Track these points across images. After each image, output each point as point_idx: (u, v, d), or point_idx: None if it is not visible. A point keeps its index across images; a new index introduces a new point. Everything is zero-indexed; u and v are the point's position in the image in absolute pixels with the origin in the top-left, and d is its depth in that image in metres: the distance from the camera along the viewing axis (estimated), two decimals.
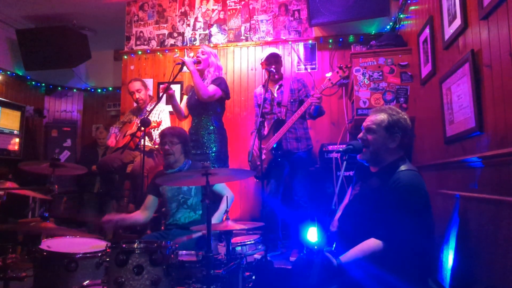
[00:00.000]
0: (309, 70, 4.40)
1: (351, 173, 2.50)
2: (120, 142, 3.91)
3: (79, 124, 6.27)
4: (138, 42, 4.96)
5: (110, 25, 5.36)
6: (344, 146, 2.25)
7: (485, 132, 1.82)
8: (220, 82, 3.25)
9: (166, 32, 4.89)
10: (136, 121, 3.84)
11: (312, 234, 1.75)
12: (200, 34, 4.79)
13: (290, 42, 4.49)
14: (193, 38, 4.80)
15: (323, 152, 3.51)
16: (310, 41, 4.45)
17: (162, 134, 2.75)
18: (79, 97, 6.37)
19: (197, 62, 3.21)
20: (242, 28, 4.65)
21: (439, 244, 2.23)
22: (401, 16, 3.62)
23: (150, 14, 4.96)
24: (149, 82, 4.68)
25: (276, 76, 3.41)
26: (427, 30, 2.69)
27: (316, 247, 1.72)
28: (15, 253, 3.26)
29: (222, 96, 3.26)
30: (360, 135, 1.97)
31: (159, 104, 3.49)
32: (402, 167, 1.83)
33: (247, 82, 4.59)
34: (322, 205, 3.16)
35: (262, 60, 3.42)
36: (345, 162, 1.89)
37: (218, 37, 4.72)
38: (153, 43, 4.91)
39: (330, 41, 4.39)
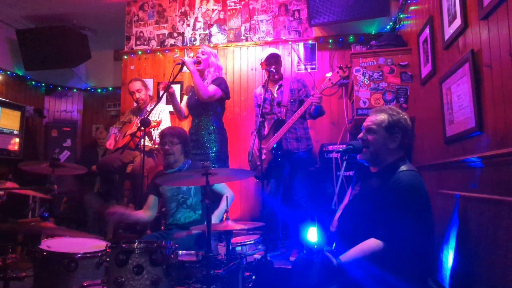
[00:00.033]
0: (309, 70, 4.40)
1: (351, 173, 2.50)
2: (120, 142, 3.91)
3: (79, 124, 6.27)
4: (138, 42, 4.96)
5: (110, 25, 5.36)
6: (344, 146, 2.25)
7: (485, 132, 1.82)
8: (220, 82, 3.25)
9: (166, 32, 4.89)
10: (136, 121, 3.84)
11: (312, 234, 1.75)
12: (200, 34, 4.79)
13: (290, 42, 4.49)
14: (193, 38, 4.80)
15: (323, 152, 3.51)
16: (310, 41, 4.45)
17: (162, 134, 2.75)
18: (79, 97, 6.37)
19: (197, 62, 3.21)
20: (242, 28, 4.65)
21: (439, 244, 2.22)
22: (401, 16, 3.62)
23: (150, 14, 4.96)
24: (149, 82, 4.68)
25: (276, 76, 3.41)
26: (427, 30, 2.69)
27: (316, 247, 1.72)
28: (15, 253, 3.26)
29: (222, 96, 3.26)
30: (360, 135, 1.97)
31: (159, 104, 3.49)
32: (402, 167, 1.83)
33: (247, 82, 4.59)
34: (322, 205, 3.16)
35: (262, 61, 3.42)
36: (345, 162, 1.89)
37: (218, 37, 4.72)
38: (153, 43, 4.91)
39: (330, 41, 4.39)
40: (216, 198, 2.62)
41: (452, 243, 2.08)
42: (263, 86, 3.49)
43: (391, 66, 3.21)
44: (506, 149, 1.57)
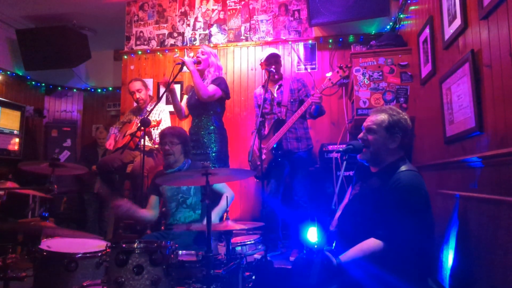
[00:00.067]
0: (309, 70, 4.40)
1: (351, 173, 2.50)
2: (120, 142, 3.91)
3: (79, 124, 6.27)
4: (138, 42, 4.96)
5: (110, 25, 5.36)
6: (344, 146, 2.25)
7: (485, 132, 1.82)
8: (220, 82, 3.25)
9: (166, 32, 4.89)
10: (136, 121, 3.84)
11: (312, 234, 1.75)
12: (200, 34, 4.79)
13: (290, 42, 4.49)
14: (193, 38, 4.80)
15: (323, 152, 3.50)
16: (310, 41, 4.45)
17: (162, 134, 2.75)
18: (79, 97, 6.37)
19: (197, 63, 3.21)
20: (242, 28, 4.65)
21: (439, 244, 2.22)
22: (401, 16, 3.62)
23: (150, 14, 4.96)
24: (149, 82, 4.68)
25: (276, 76, 3.41)
26: (427, 30, 2.69)
27: (316, 247, 1.72)
28: (15, 253, 3.26)
29: (222, 96, 3.26)
30: (361, 135, 1.97)
31: (159, 104, 3.49)
32: (403, 168, 1.83)
33: (247, 82, 4.59)
34: (322, 205, 3.16)
35: (262, 61, 3.42)
36: (345, 162, 1.89)
37: (218, 37, 4.72)
38: (153, 43, 4.91)
39: (330, 41, 4.39)
40: (216, 197, 2.62)
41: (452, 243, 2.08)
42: (263, 86, 3.49)
43: (391, 66, 3.21)
44: (506, 149, 1.57)
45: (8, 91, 5.24)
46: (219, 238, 2.59)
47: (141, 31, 4.96)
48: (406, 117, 1.92)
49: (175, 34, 4.86)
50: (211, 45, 4.63)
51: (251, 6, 4.65)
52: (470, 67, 1.93)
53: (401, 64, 3.19)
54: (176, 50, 4.77)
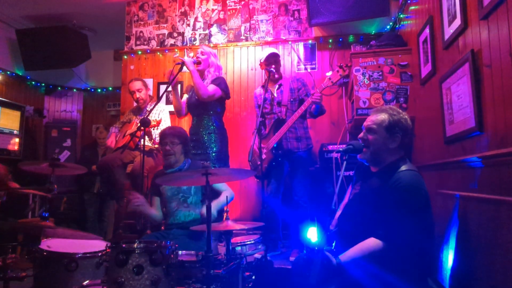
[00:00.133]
0: (309, 70, 4.40)
1: (351, 173, 2.50)
2: (120, 142, 3.91)
3: (79, 124, 6.27)
4: (138, 42, 4.96)
5: (110, 25, 5.36)
6: (344, 146, 2.25)
7: (485, 132, 1.82)
8: (220, 82, 3.25)
9: (166, 32, 4.89)
10: (136, 120, 3.84)
11: (312, 234, 1.75)
12: (200, 34, 4.79)
13: (290, 42, 4.49)
14: (193, 38, 4.80)
15: (323, 152, 3.50)
16: (310, 41, 4.45)
17: (163, 135, 2.75)
18: (79, 97, 6.37)
19: (197, 63, 3.22)
20: (242, 28, 4.65)
21: (439, 244, 2.23)
22: (401, 16, 3.62)
23: (150, 14, 4.96)
24: (149, 82, 4.68)
25: (275, 76, 3.41)
26: (427, 30, 2.69)
27: (316, 247, 1.72)
28: (15, 253, 3.26)
29: (222, 96, 3.26)
30: (361, 135, 1.97)
31: (159, 104, 3.49)
32: (403, 167, 1.83)
33: (247, 82, 4.59)
34: (322, 205, 3.16)
35: (262, 61, 3.42)
36: (345, 162, 1.89)
37: (218, 37, 4.72)
38: (153, 43, 4.91)
39: (330, 41, 4.39)
40: (216, 196, 2.62)
41: (452, 243, 2.08)
42: (262, 86, 3.49)
43: (391, 66, 3.21)
44: (506, 149, 1.57)
45: (8, 91, 5.24)
46: (219, 238, 2.59)
47: (141, 31, 4.96)
48: (406, 117, 1.92)
49: (175, 34, 4.86)
50: (211, 45, 4.63)
51: (251, 6, 4.65)
52: (470, 67, 1.93)
53: (401, 64, 3.19)
54: (176, 50, 4.77)
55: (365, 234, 1.79)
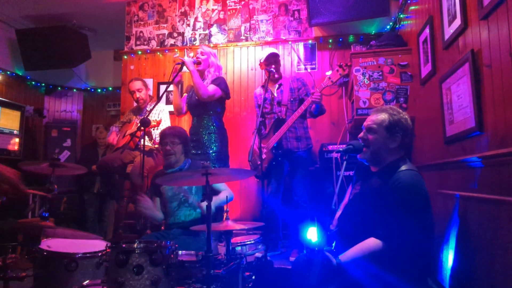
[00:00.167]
0: (309, 70, 4.40)
1: (351, 173, 2.50)
2: (120, 142, 3.91)
3: (79, 124, 6.27)
4: (138, 42, 4.96)
5: (110, 25, 5.36)
6: (344, 146, 2.25)
7: (485, 132, 1.82)
8: (220, 82, 3.25)
9: (166, 32, 4.89)
10: (136, 120, 3.84)
11: (312, 234, 1.75)
12: (200, 34, 4.79)
13: (290, 42, 4.49)
14: (193, 38, 4.80)
15: (323, 152, 3.50)
16: (310, 41, 4.45)
17: (163, 135, 2.75)
18: (79, 97, 6.37)
19: (197, 63, 3.22)
20: (242, 28, 4.65)
21: (439, 244, 2.23)
22: (401, 16, 3.62)
23: (150, 14, 4.96)
24: (149, 82, 4.68)
25: (275, 76, 3.41)
26: (427, 30, 2.69)
27: (316, 247, 1.72)
28: (15, 253, 3.26)
29: (222, 96, 3.26)
30: (361, 134, 1.97)
31: (159, 104, 3.49)
32: (403, 167, 1.83)
33: (247, 82, 4.59)
34: (322, 205, 3.16)
35: (262, 61, 3.42)
36: (345, 162, 1.89)
37: (218, 37, 4.72)
38: (153, 43, 4.91)
39: (330, 41, 4.39)
40: (215, 195, 2.62)
41: (452, 243, 2.08)
42: (262, 86, 3.49)
43: (391, 66, 3.21)
44: (506, 149, 1.57)
45: (8, 91, 5.24)
46: (219, 238, 2.59)
47: (141, 31, 4.96)
48: (406, 117, 1.92)
49: (175, 34, 4.86)
50: (211, 45, 4.63)
51: (251, 6, 4.65)
52: (470, 67, 1.93)
53: (401, 64, 3.19)
54: (176, 50, 4.77)
55: (365, 234, 1.79)
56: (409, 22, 3.37)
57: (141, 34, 4.95)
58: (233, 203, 4.06)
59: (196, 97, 3.20)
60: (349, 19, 3.93)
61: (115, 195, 4.01)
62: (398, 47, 3.30)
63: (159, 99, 3.35)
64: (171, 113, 4.02)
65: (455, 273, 2.02)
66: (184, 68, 3.11)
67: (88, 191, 5.01)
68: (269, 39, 4.55)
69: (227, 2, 4.72)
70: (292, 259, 3.08)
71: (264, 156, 3.23)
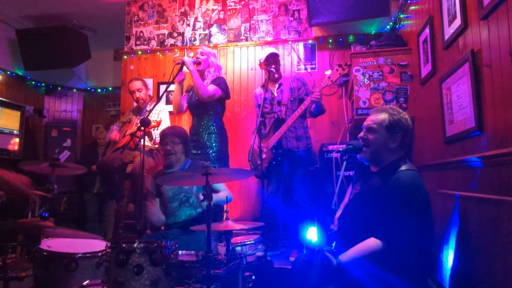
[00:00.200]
0: (309, 70, 4.40)
1: (351, 173, 2.50)
2: (120, 142, 3.90)
3: (79, 124, 6.27)
4: (138, 42, 4.96)
5: (110, 25, 5.36)
6: (344, 146, 2.25)
7: (485, 132, 1.82)
8: (220, 82, 3.25)
9: (166, 32, 4.89)
10: (136, 120, 3.84)
11: (312, 234, 1.75)
12: (200, 34, 4.79)
13: (290, 42, 4.49)
14: (193, 38, 4.80)
15: (323, 152, 3.50)
16: (310, 41, 4.45)
17: (163, 134, 2.75)
18: (79, 97, 6.37)
19: (197, 63, 3.22)
20: (242, 28, 4.65)
21: (439, 244, 2.23)
22: (401, 16, 3.62)
23: (150, 14, 4.96)
24: (149, 82, 4.68)
25: (276, 76, 3.41)
26: (427, 30, 2.69)
27: (316, 247, 1.72)
28: (15, 253, 3.25)
29: (222, 96, 3.26)
30: (361, 134, 1.97)
31: (159, 104, 3.49)
32: (403, 167, 1.83)
33: (247, 82, 4.59)
34: (322, 205, 3.16)
35: (261, 61, 3.42)
36: (345, 162, 1.89)
37: (218, 37, 4.72)
38: (153, 43, 4.91)
39: (330, 41, 4.39)
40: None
41: (452, 243, 2.08)
42: (262, 86, 3.49)
43: (391, 66, 3.21)
44: (506, 149, 1.57)
45: (8, 91, 5.24)
46: (219, 238, 2.58)
47: (141, 31, 4.96)
48: (406, 116, 1.92)
49: (175, 34, 4.86)
50: (211, 45, 4.63)
51: (251, 6, 4.65)
52: (470, 67, 1.93)
53: (401, 64, 3.19)
54: (176, 50, 4.77)
55: (365, 234, 1.79)
56: (409, 22, 3.37)
57: (141, 34, 4.95)
58: (233, 203, 4.06)
59: (196, 97, 3.20)
60: (349, 19, 3.93)
61: (115, 195, 4.01)
62: (398, 47, 3.30)
63: (159, 99, 3.35)
64: (171, 113, 4.02)
65: (455, 273, 2.02)
66: (184, 68, 3.11)
67: (88, 191, 5.01)
68: (269, 39, 4.55)
69: (227, 2, 4.72)
70: (292, 259, 3.08)
71: (264, 155, 3.23)
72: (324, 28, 4.38)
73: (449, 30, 2.24)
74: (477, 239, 1.84)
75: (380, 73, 3.22)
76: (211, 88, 3.17)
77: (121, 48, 5.06)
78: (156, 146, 3.72)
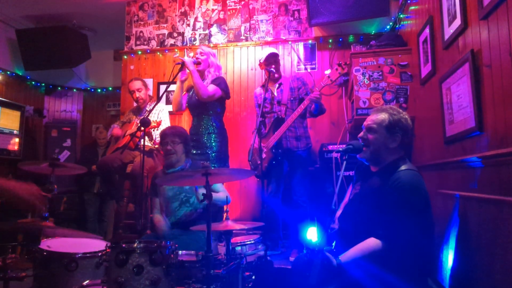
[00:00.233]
0: (309, 70, 4.40)
1: (351, 173, 2.50)
2: (120, 142, 3.91)
3: (79, 124, 6.27)
4: (138, 42, 4.96)
5: (110, 25, 5.36)
6: (344, 146, 2.25)
7: (485, 132, 1.82)
8: (219, 81, 3.25)
9: (166, 32, 4.89)
10: (136, 121, 3.84)
11: (311, 234, 1.75)
12: (200, 34, 4.79)
13: (290, 42, 4.49)
14: (193, 38, 4.80)
15: (323, 152, 3.50)
16: (310, 41, 4.45)
17: (164, 134, 2.75)
18: (79, 97, 6.37)
19: (197, 63, 3.22)
20: (242, 28, 4.65)
21: (439, 244, 2.23)
22: (401, 16, 3.62)
23: (150, 14, 4.96)
24: (149, 82, 4.68)
25: (276, 75, 3.41)
26: (427, 30, 2.69)
27: (316, 247, 1.72)
28: (15, 253, 3.26)
29: (222, 96, 3.26)
30: (361, 134, 1.97)
31: (158, 104, 3.49)
32: (403, 167, 1.83)
33: (247, 82, 4.59)
34: (322, 205, 3.16)
35: (261, 61, 3.42)
36: (345, 162, 1.89)
37: (218, 37, 4.72)
38: (153, 43, 4.91)
39: (330, 41, 4.39)
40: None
41: (452, 243, 2.08)
42: (262, 86, 3.49)
43: (391, 66, 3.21)
44: (506, 149, 1.57)
45: (8, 91, 5.24)
46: (219, 238, 2.59)
47: (141, 31, 4.96)
48: (406, 116, 1.92)
49: (175, 34, 4.86)
50: (211, 45, 4.63)
51: (251, 6, 4.65)
52: (470, 67, 1.93)
53: (401, 64, 3.19)
54: (176, 50, 4.77)
55: (365, 234, 1.79)
56: (409, 22, 3.37)
57: (141, 34, 4.95)
58: (233, 203, 4.06)
59: (196, 97, 3.20)
60: (349, 19, 3.93)
61: (115, 195, 4.01)
62: (398, 47, 3.30)
63: (159, 99, 3.35)
64: (170, 113, 4.02)
65: (455, 273, 2.02)
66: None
67: (88, 191, 5.01)
68: (269, 39, 4.55)
69: (227, 2, 4.72)
70: (292, 259, 3.08)
71: (264, 155, 3.23)
72: (324, 28, 4.38)
73: (449, 30, 2.24)
74: (477, 239, 1.83)
75: (380, 73, 3.22)
76: (211, 88, 3.17)
77: (121, 48, 5.06)
78: (156, 146, 3.72)
